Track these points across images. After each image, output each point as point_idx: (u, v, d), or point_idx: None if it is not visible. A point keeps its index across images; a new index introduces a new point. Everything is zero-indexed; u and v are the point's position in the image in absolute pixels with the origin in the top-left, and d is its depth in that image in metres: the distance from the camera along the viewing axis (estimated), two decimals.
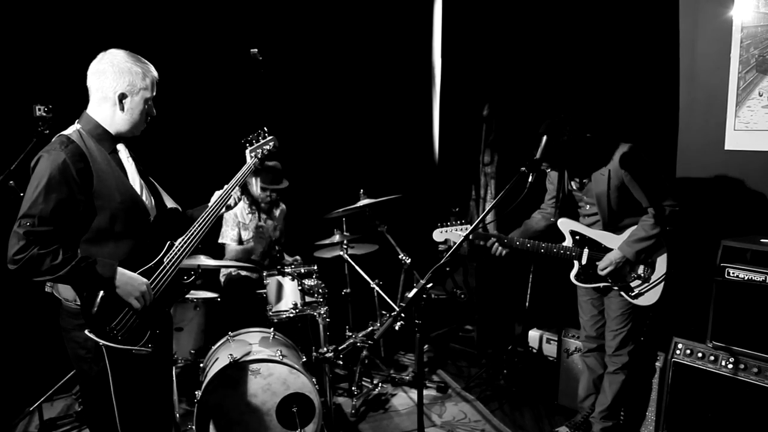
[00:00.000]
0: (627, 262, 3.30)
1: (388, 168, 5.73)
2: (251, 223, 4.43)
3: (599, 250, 3.38)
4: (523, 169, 2.75)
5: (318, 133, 5.52)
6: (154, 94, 2.52)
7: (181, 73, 4.52)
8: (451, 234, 3.52)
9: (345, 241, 4.38)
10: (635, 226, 3.27)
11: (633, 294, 3.35)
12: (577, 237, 3.40)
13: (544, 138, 2.82)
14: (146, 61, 2.49)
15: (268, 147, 2.97)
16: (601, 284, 3.43)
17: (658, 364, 3.59)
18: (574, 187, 3.43)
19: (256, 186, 4.31)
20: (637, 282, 3.35)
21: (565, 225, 3.44)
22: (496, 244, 3.37)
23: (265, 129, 2.99)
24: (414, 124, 6.03)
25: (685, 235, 3.86)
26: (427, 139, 6.16)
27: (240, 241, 4.41)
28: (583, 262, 3.40)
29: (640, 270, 3.32)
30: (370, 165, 5.69)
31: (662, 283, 3.28)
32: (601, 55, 4.41)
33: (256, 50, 3.43)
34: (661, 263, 3.29)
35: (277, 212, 4.57)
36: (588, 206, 3.39)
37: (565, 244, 3.41)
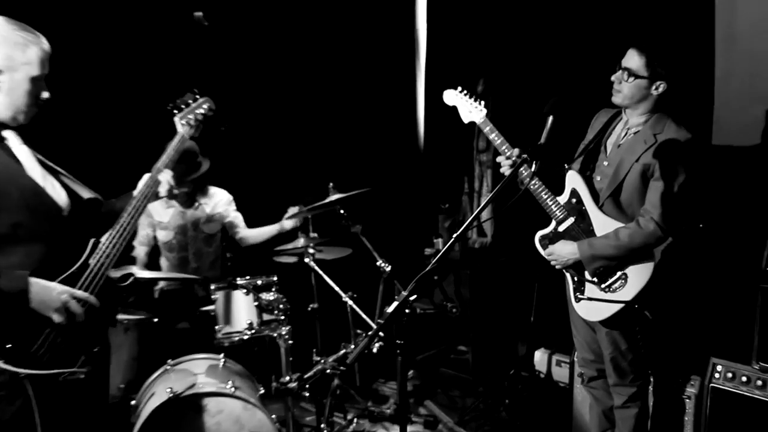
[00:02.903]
0: (578, 263, 3.26)
1: (363, 157, 5.71)
2: (172, 220, 4.38)
3: (583, 228, 3.30)
4: (525, 156, 2.77)
5: (279, 114, 5.49)
6: (46, 71, 2.45)
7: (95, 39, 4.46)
8: (462, 102, 3.49)
9: (311, 246, 4.36)
10: (620, 226, 3.20)
11: (580, 296, 3.31)
12: (574, 200, 3.33)
13: (550, 119, 2.82)
14: (34, 31, 2.42)
15: (201, 111, 2.95)
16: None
17: (692, 390, 3.54)
18: (609, 148, 3.37)
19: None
20: (592, 286, 3.27)
21: (572, 180, 3.35)
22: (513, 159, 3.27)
23: (196, 90, 2.96)
24: (394, 102, 6.01)
25: (724, 234, 3.83)
26: (410, 121, 6.14)
27: (153, 245, 4.39)
28: (560, 228, 3.35)
29: (609, 276, 3.25)
30: (341, 153, 5.66)
31: (618, 307, 3.18)
32: (618, 16, 4.37)
33: (201, 14, 3.43)
34: (634, 285, 3.18)
35: (208, 201, 4.48)
36: (599, 177, 3.34)
37: (559, 199, 3.34)
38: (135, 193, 2.74)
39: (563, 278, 3.48)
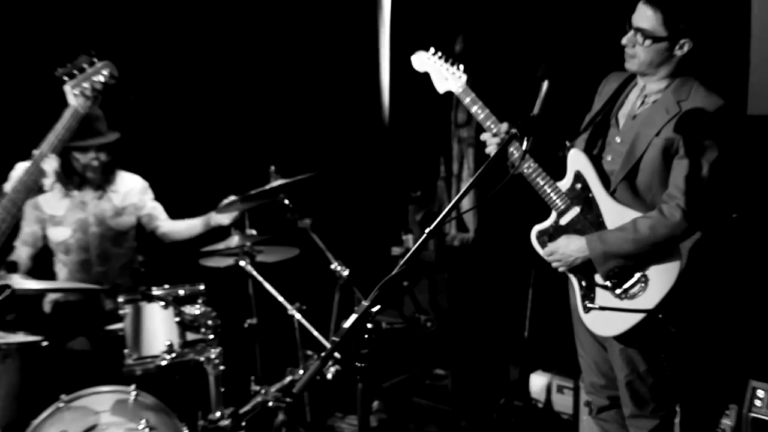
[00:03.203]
0: (587, 263, 3.25)
1: (314, 134, 5.70)
2: (69, 214, 4.27)
3: (590, 220, 3.28)
4: (515, 130, 2.76)
5: (206, 81, 5.43)
6: None
7: None
8: (435, 67, 3.50)
9: (248, 245, 4.36)
10: (638, 215, 3.20)
11: (589, 305, 3.29)
12: (579, 186, 3.32)
13: (545, 85, 2.85)
14: None
15: (100, 78, 2.95)
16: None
17: (727, 421, 3.56)
18: (621, 120, 3.36)
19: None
20: (605, 293, 3.24)
21: (575, 160, 3.33)
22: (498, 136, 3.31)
23: (93, 52, 2.96)
24: (351, 65, 6.01)
25: (763, 226, 3.86)
26: (372, 88, 6.15)
27: (42, 246, 4.30)
28: (562, 221, 3.34)
29: (626, 279, 3.22)
30: (285, 129, 5.64)
31: (638, 318, 3.15)
32: None
33: None
34: (657, 290, 3.15)
35: (117, 189, 4.42)
36: (610, 157, 3.33)
37: (560, 185, 3.33)
38: (7, 187, 2.76)
39: (566, 283, 3.46)
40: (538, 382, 4.57)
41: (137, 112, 4.44)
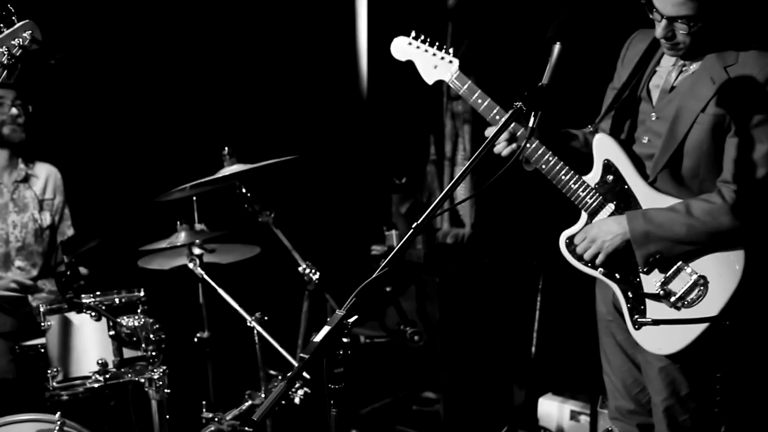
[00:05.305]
0: (626, 248, 3.23)
1: (276, 108, 5.70)
2: None
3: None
4: (519, 104, 2.74)
5: (149, 45, 5.41)
6: None
7: None
8: (420, 55, 3.54)
9: (198, 242, 4.37)
10: (692, 199, 3.19)
11: (640, 320, 3.25)
12: (610, 178, 3.32)
13: (557, 48, 2.85)
14: None
15: (19, 41, 2.91)
16: (597, 271, 3.37)
17: None
18: (654, 93, 3.34)
19: None
20: (658, 304, 3.24)
21: (602, 147, 3.35)
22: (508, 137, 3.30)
23: (12, 9, 2.92)
24: (322, 23, 5.99)
25: None
26: (348, 53, 6.15)
27: None
28: (596, 221, 3.34)
29: (680, 283, 3.21)
30: (241, 103, 5.64)
31: (701, 329, 3.14)
32: None
33: None
34: (719, 293, 3.16)
35: (38, 175, 4.48)
36: (646, 139, 3.32)
37: (587, 179, 3.33)
38: None
39: (583, 286, 3.49)
40: (547, 407, 4.59)
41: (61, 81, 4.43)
